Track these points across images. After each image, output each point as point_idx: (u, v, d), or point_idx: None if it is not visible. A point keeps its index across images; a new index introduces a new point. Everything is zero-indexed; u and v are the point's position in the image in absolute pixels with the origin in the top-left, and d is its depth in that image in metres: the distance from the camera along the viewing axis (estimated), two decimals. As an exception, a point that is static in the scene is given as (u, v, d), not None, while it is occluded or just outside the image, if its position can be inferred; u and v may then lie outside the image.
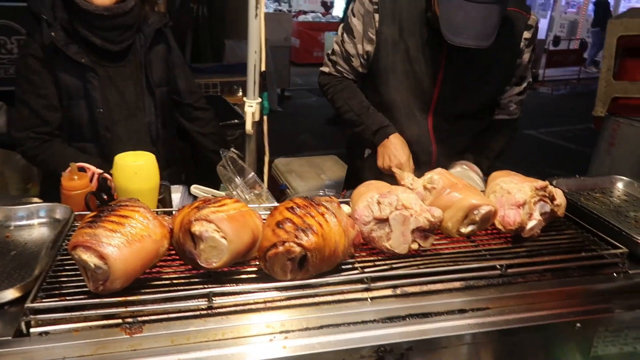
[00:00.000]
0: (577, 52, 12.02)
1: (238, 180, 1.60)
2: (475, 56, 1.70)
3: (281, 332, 1.01)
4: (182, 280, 1.06)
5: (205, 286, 1.03)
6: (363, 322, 1.05)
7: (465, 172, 1.80)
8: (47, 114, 1.86)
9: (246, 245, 1.07)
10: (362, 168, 2.00)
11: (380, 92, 1.88)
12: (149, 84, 1.95)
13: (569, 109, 8.83)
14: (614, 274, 1.22)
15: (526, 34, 1.82)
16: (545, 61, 11.01)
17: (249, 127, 2.00)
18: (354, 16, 1.83)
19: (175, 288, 1.03)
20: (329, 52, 1.95)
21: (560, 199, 1.32)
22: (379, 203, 1.19)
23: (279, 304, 1.05)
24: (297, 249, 1.03)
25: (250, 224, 1.10)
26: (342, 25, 1.91)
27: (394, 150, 1.77)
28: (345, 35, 1.87)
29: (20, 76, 1.87)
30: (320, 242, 1.05)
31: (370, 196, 1.21)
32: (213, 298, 1.01)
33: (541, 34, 11.18)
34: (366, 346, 1.01)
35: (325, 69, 1.96)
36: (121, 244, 0.96)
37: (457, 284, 1.14)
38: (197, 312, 1.00)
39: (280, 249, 1.03)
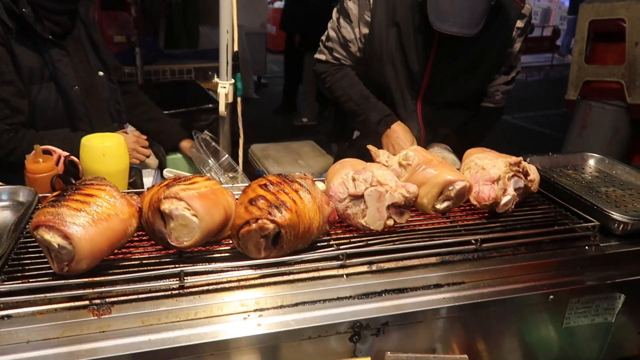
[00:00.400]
0: (550, 39, 12.19)
1: (211, 162, 1.56)
2: (467, 44, 1.69)
3: (255, 310, 1.00)
4: (153, 261, 1.03)
5: (177, 266, 1.01)
6: (339, 298, 1.04)
7: (442, 152, 1.80)
8: (17, 101, 1.72)
9: (218, 223, 1.05)
10: (350, 150, 1.98)
11: (371, 76, 1.86)
12: (103, 60, 1.91)
13: (542, 95, 8.96)
14: (586, 247, 1.23)
15: (519, 23, 1.80)
16: (519, 48, 11.11)
17: (222, 108, 1.95)
18: None
19: (145, 268, 1.00)
20: (323, 38, 1.90)
21: (533, 174, 1.32)
22: (353, 180, 1.17)
23: (253, 282, 1.03)
24: (271, 225, 1.01)
25: (222, 202, 1.07)
26: (336, 9, 1.86)
27: (397, 139, 1.75)
28: (341, 19, 1.82)
29: None
30: (294, 219, 1.03)
31: (345, 173, 1.20)
32: (185, 277, 0.98)
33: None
34: (342, 322, 1.00)
35: (321, 57, 1.91)
36: (86, 223, 0.92)
37: (432, 259, 1.14)
38: (169, 292, 0.97)
39: (254, 226, 1.01)
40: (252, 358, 0.98)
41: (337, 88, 1.86)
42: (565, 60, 11.40)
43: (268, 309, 1.00)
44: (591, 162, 1.64)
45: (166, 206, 0.99)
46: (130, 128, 1.86)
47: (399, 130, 1.77)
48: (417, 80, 1.82)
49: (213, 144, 1.73)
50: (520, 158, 1.29)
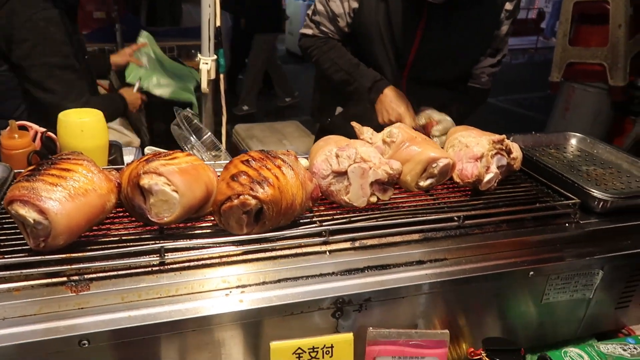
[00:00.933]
0: (535, 21, 12.21)
1: (193, 139, 1.54)
2: (454, 23, 1.67)
3: (238, 286, 0.99)
4: (133, 237, 1.02)
5: (157, 242, 0.99)
6: (321, 275, 1.04)
7: (440, 115, 1.76)
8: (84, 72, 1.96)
9: (199, 199, 1.03)
10: (332, 126, 1.96)
11: (357, 53, 1.83)
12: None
13: (526, 77, 9.00)
14: (566, 224, 1.25)
15: (508, 5, 1.77)
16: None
17: (204, 85, 1.92)
18: None
19: (125, 245, 0.98)
20: (309, 12, 1.86)
21: (516, 152, 1.33)
22: (337, 156, 1.16)
23: (235, 258, 1.02)
24: (253, 201, 0.99)
25: (203, 178, 1.05)
26: None
27: (391, 102, 1.71)
28: None
29: (53, 43, 1.83)
30: (277, 195, 1.02)
31: (329, 150, 1.19)
32: (165, 253, 0.97)
33: (501, 3, 11.30)
34: (325, 298, 1.00)
35: (307, 31, 1.87)
36: (63, 198, 0.90)
37: (415, 236, 1.14)
38: (149, 269, 0.96)
39: (235, 202, 1.00)
40: (234, 334, 0.98)
41: (325, 60, 1.83)
42: (549, 43, 11.45)
43: (250, 285, 1.00)
44: (573, 141, 1.65)
45: (145, 181, 0.97)
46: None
47: (391, 95, 1.73)
48: (404, 57, 1.80)
49: (195, 121, 1.69)
50: (504, 136, 1.30)
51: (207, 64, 1.88)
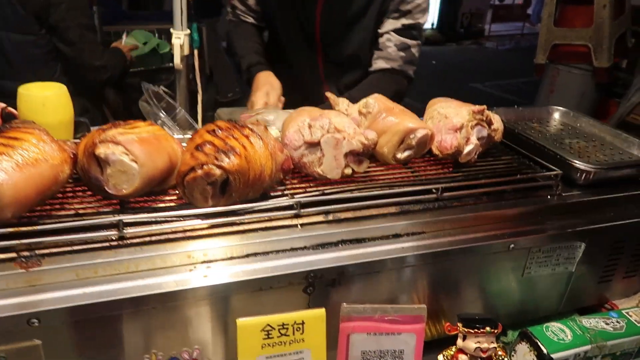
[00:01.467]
0: (521, 6, 12.19)
1: (163, 114, 1.47)
2: None
3: (203, 262, 0.94)
4: (90, 211, 0.95)
5: (116, 216, 0.93)
6: (292, 249, 0.99)
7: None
8: None
9: (161, 170, 0.97)
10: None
11: (271, 34, 1.77)
12: None
13: (513, 63, 8.99)
14: (548, 197, 1.21)
15: None
16: (491, 16, 11.11)
17: (177, 61, 1.84)
18: None
19: (81, 218, 0.92)
20: None
21: (497, 123, 1.28)
22: (310, 127, 1.11)
23: (200, 232, 0.96)
24: (218, 171, 0.94)
25: (166, 149, 0.99)
26: None
27: (254, 90, 1.63)
28: None
29: (82, 5, 2.24)
30: (244, 165, 0.96)
31: (301, 120, 1.13)
32: (124, 228, 0.90)
33: (487, -10, 11.27)
34: (295, 272, 0.95)
35: (228, 17, 1.82)
36: (9, 167, 0.83)
37: (392, 209, 1.09)
38: (107, 244, 0.90)
39: (199, 172, 0.94)
40: (200, 312, 0.93)
41: (232, 45, 1.79)
42: (535, 29, 11.42)
43: (217, 260, 0.94)
44: (556, 115, 1.61)
45: (101, 150, 0.91)
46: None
47: (258, 81, 1.64)
48: (311, 33, 1.73)
49: (167, 98, 1.62)
50: (484, 106, 1.25)
51: (179, 38, 1.81)
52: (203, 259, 0.94)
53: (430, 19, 10.32)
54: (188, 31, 1.84)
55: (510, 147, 1.38)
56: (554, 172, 1.21)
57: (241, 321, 0.90)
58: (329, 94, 1.30)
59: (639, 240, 1.27)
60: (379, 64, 1.75)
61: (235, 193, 0.98)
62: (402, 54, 1.73)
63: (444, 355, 1.13)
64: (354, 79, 1.81)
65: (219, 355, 0.97)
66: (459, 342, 1.06)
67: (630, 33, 3.65)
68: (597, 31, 3.46)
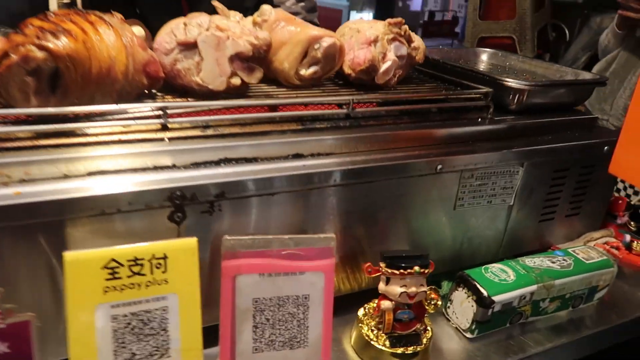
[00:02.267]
0: (449, 23, 12.68)
1: None
2: None
3: (21, 180, 0.67)
4: None
5: None
6: (155, 167, 0.74)
7: None
8: None
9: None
10: None
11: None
12: None
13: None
14: (479, 119, 1.04)
15: None
16: (421, 33, 11.45)
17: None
18: None
19: None
20: None
21: (418, 42, 1.10)
22: (185, 25, 0.87)
23: (19, 143, 0.70)
24: (39, 54, 0.68)
25: None
26: None
27: None
28: None
29: None
30: (82, 51, 0.71)
31: (176, 23, 0.90)
32: None
33: (417, 7, 11.65)
34: (152, 189, 0.70)
35: None
36: None
37: (293, 125, 0.87)
38: None
39: (14, 57, 0.68)
40: (19, 244, 0.66)
41: None
42: (463, 46, 11.89)
43: (41, 180, 0.68)
44: (484, 56, 1.48)
45: None
46: None
47: None
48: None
49: None
50: (401, 19, 1.07)
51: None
52: (22, 176, 0.67)
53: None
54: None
55: (435, 76, 1.20)
56: (484, 90, 1.04)
57: (70, 255, 0.64)
58: (216, 3, 1.07)
59: (580, 172, 1.12)
60: None
61: (71, 91, 0.72)
62: (302, 3, 1.57)
63: (364, 309, 0.91)
64: None
65: (37, 304, 0.70)
66: (381, 286, 0.84)
67: (551, 27, 3.73)
68: (520, 22, 3.50)
